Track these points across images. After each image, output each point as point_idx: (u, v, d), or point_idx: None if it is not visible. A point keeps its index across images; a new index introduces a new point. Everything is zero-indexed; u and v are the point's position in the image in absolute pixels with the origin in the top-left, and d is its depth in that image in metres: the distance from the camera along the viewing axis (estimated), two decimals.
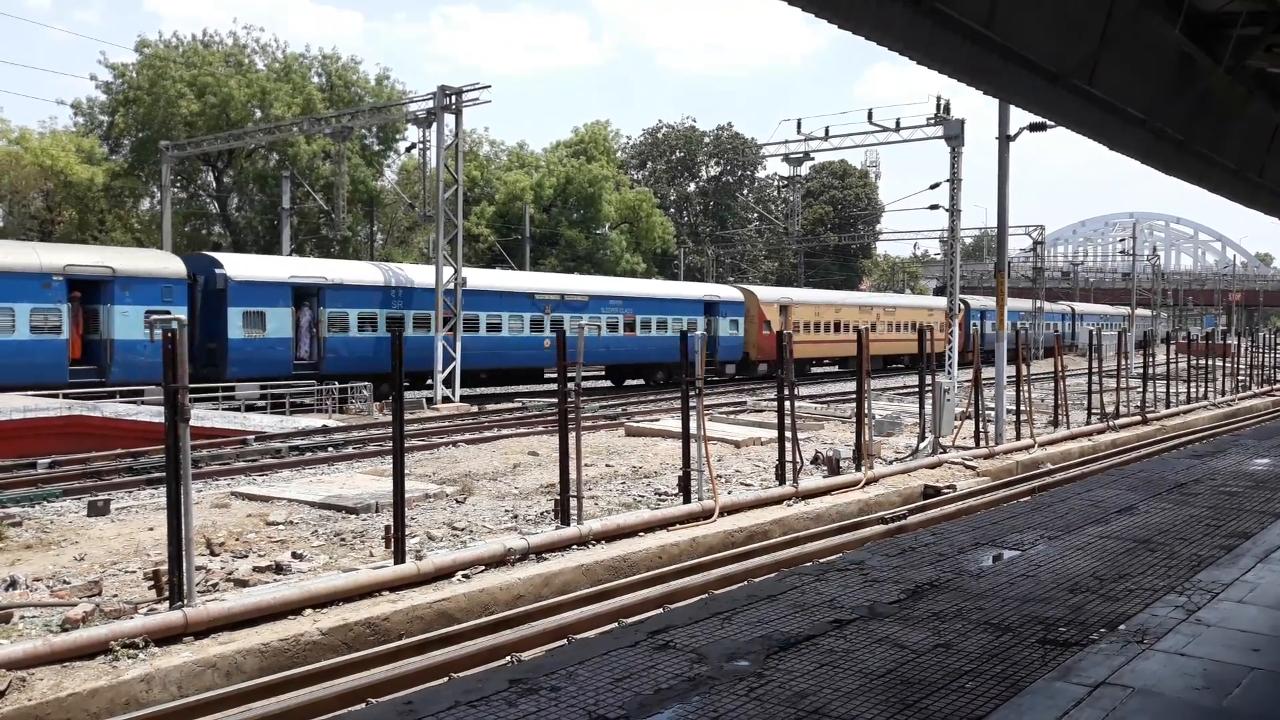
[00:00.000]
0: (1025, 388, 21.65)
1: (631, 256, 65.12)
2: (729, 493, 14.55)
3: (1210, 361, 33.98)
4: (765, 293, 46.57)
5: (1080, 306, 77.30)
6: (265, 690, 7.64)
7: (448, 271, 31.12)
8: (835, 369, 50.95)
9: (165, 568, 8.94)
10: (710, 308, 42.24)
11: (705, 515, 13.05)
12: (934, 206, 33.53)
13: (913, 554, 8.98)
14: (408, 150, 42.59)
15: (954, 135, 27.59)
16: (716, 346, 41.56)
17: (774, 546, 12.34)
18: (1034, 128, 21.18)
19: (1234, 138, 10.72)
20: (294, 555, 10.86)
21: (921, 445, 19.02)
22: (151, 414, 20.03)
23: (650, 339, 39.45)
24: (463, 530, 12.35)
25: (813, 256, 78.92)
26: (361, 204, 54.99)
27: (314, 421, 23.95)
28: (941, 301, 52.19)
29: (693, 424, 13.62)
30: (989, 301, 59.64)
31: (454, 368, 30.78)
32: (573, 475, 12.15)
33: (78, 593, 9.41)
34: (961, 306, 51.72)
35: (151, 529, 12.12)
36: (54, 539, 11.95)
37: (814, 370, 48.42)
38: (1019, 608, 7.15)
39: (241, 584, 9.76)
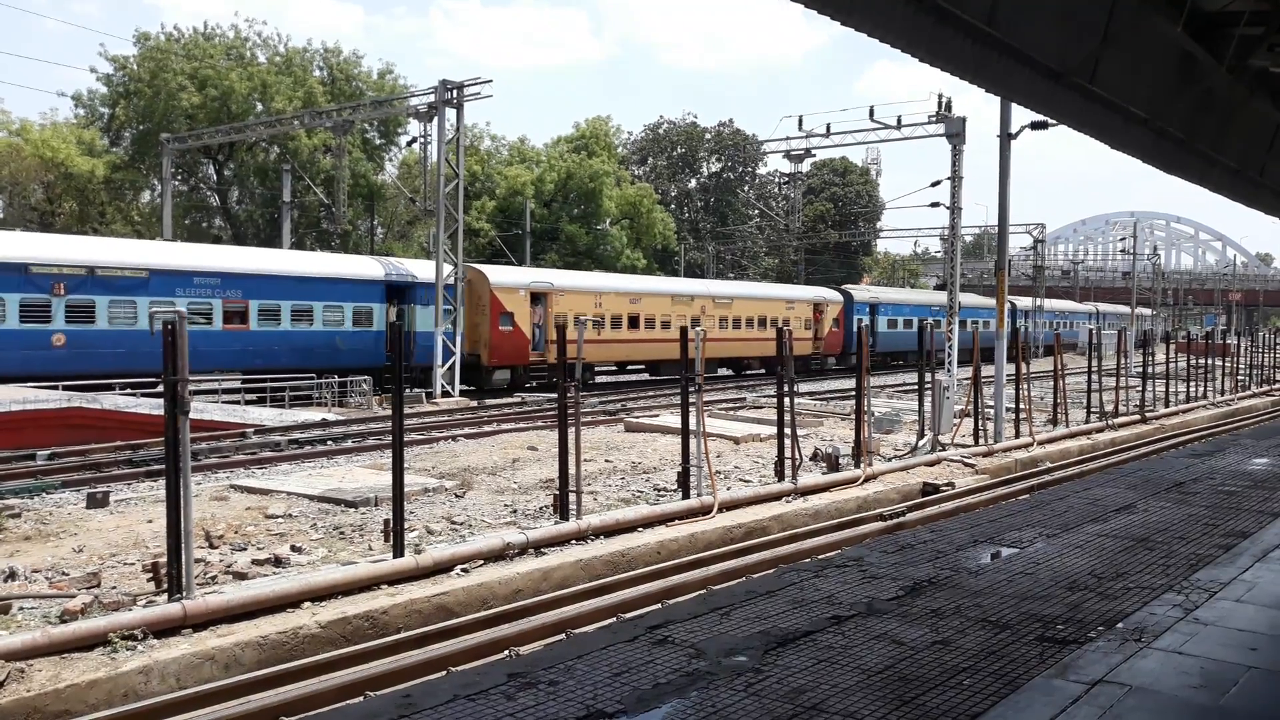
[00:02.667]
0: (1024, 386, 21.66)
1: (632, 252, 65.10)
2: (728, 489, 14.55)
3: (1210, 361, 33.99)
4: (504, 274, 35.30)
5: (1053, 304, 73.42)
6: (263, 683, 7.65)
7: (448, 267, 31.11)
8: (644, 374, 41.14)
9: (164, 560, 8.95)
10: (398, 292, 31.71)
11: (704, 511, 13.06)
12: (935, 204, 33.53)
13: (911, 551, 8.98)
14: (409, 144, 42.69)
15: (955, 133, 27.57)
16: (412, 345, 31.09)
17: (773, 543, 12.35)
18: (1035, 126, 21.17)
19: (1235, 137, 10.71)
20: (293, 548, 10.87)
21: (921, 443, 19.03)
22: (151, 406, 20.03)
23: (284, 334, 28.78)
24: (462, 525, 12.36)
25: (813, 253, 78.89)
26: (362, 198, 54.98)
27: (313, 415, 23.95)
28: (806, 292, 48.85)
29: (692, 420, 13.62)
30: (886, 294, 55.70)
31: (454, 362, 30.79)
32: (572, 470, 12.16)
33: (76, 584, 9.41)
34: (840, 298, 48.79)
35: (150, 521, 12.12)
36: (53, 531, 11.95)
37: (599, 379, 39.07)
38: (1017, 605, 7.15)
39: (240, 577, 9.76)
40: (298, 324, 29.24)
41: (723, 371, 42.53)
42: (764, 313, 43.86)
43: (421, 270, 32.75)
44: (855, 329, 45.85)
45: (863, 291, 52.80)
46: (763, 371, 43.66)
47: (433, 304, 31.05)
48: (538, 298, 35.12)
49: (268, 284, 28.69)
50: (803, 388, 32.71)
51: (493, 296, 33.63)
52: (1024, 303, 60.90)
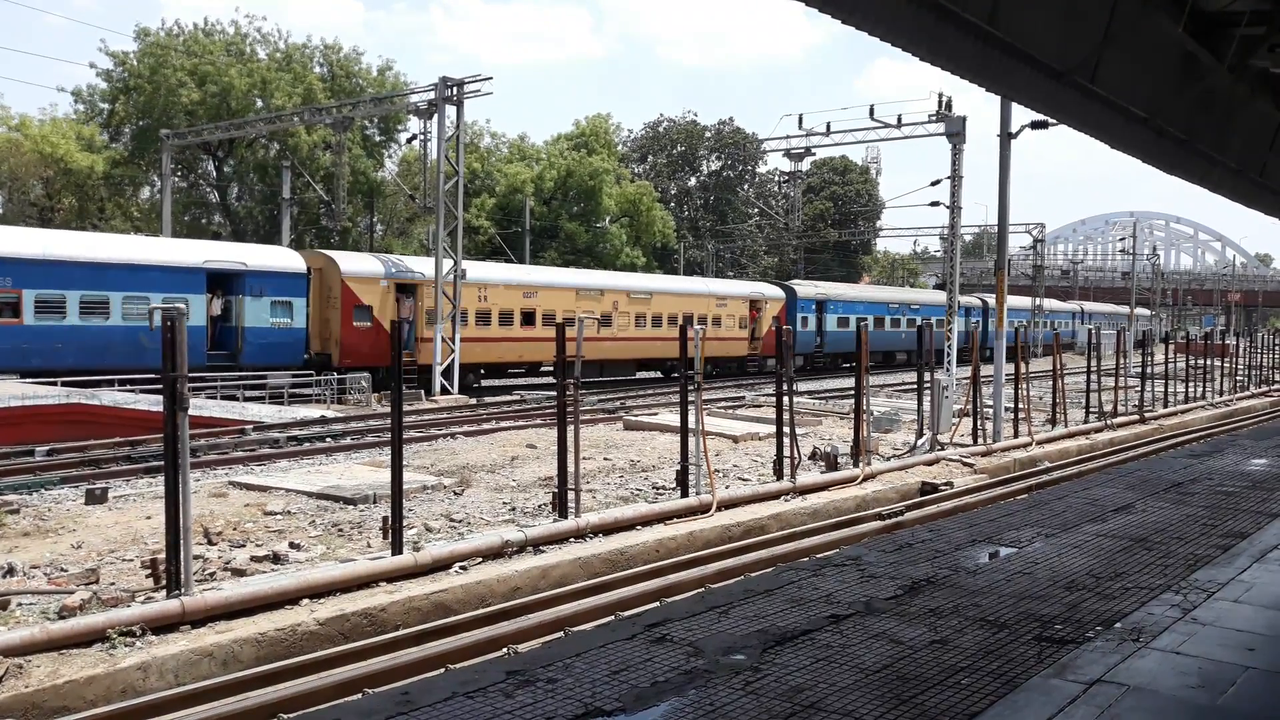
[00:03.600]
0: (1024, 386, 21.66)
1: (631, 250, 65.07)
2: (726, 487, 14.55)
3: (1208, 361, 34.00)
4: (361, 263, 31.20)
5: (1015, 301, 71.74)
6: (262, 679, 7.65)
7: (447, 263, 31.10)
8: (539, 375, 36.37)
9: (163, 556, 8.95)
10: (222, 281, 28.37)
11: (703, 510, 13.06)
12: (935, 203, 33.56)
13: (909, 550, 8.98)
14: (408, 141, 42.53)
15: (955, 132, 27.57)
16: (239, 341, 28.16)
17: (771, 541, 12.35)
18: (1035, 125, 21.16)
19: (1236, 137, 10.71)
20: (291, 545, 10.87)
21: (919, 442, 19.04)
22: (150, 402, 20.03)
23: (71, 330, 25.38)
24: (460, 522, 12.36)
25: (813, 252, 78.91)
26: (362, 195, 54.94)
27: (312, 412, 23.95)
28: (741, 287, 46.13)
29: (691, 418, 13.62)
30: (837, 290, 52.00)
31: (453, 359, 30.78)
32: (571, 468, 12.15)
33: (75, 580, 9.41)
34: (781, 295, 45.93)
35: (149, 517, 12.11)
36: (52, 527, 11.95)
37: (485, 382, 34.78)
38: (1015, 605, 7.16)
39: (239, 573, 9.76)
40: (90, 318, 25.55)
41: (643, 375, 39.47)
42: (690, 309, 39.88)
43: (254, 257, 29.17)
44: (798, 328, 43.77)
45: (808, 288, 49.66)
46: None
47: (267, 295, 28.01)
48: (406, 290, 31.27)
49: (49, 271, 24.93)
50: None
51: (344, 288, 29.48)
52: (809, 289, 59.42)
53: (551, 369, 30.99)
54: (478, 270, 34.70)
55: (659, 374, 40.56)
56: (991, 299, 59.95)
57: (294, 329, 29.13)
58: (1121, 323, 68.71)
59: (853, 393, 19.21)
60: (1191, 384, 32.58)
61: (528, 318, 34.63)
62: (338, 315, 29.65)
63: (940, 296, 61.64)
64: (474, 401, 29.44)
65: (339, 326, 29.64)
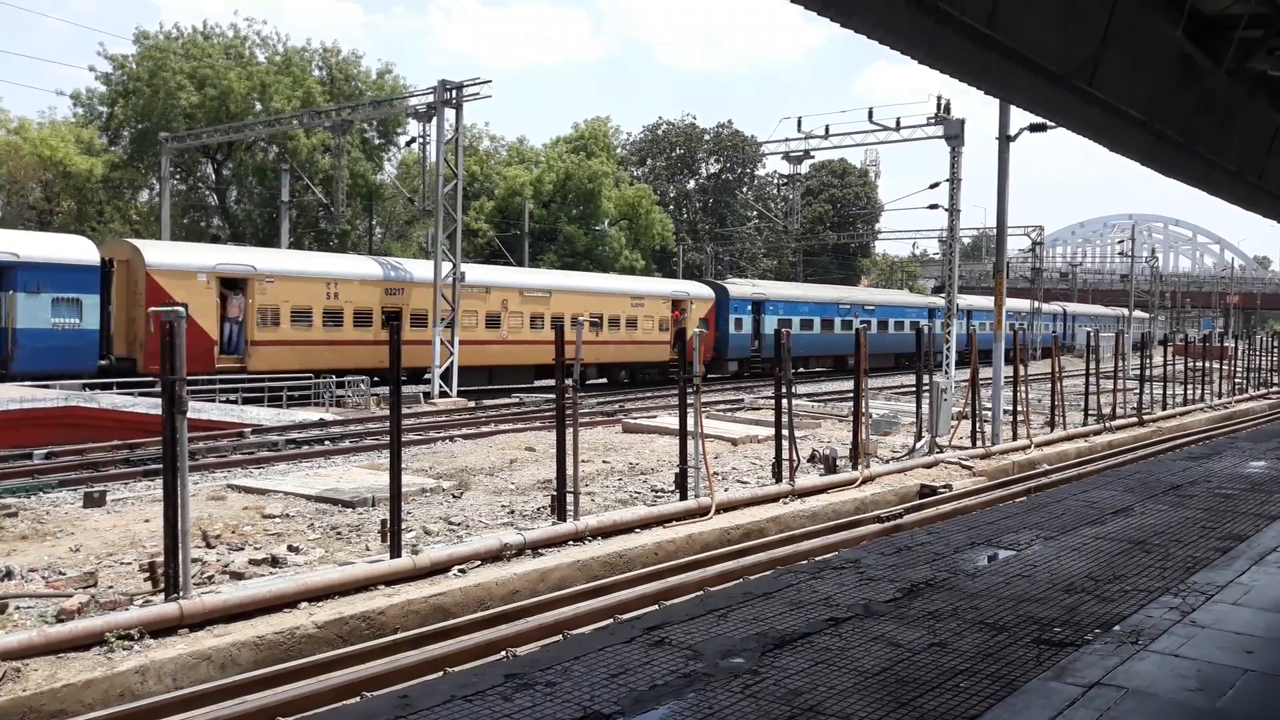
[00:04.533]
0: (1022, 388, 21.67)
1: (630, 253, 65.08)
2: (725, 490, 14.55)
3: (1207, 364, 34.03)
4: (173, 254, 27.41)
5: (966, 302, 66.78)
6: (260, 683, 7.64)
7: (446, 266, 31.10)
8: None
9: (161, 560, 8.94)
10: None
11: (702, 512, 13.05)
12: (933, 206, 33.52)
13: (908, 553, 8.98)
14: (407, 144, 42.58)
15: (954, 135, 27.58)
16: (9, 345, 24.04)
17: (770, 544, 12.35)
18: (1034, 128, 21.19)
19: (1234, 140, 10.72)
20: (290, 548, 10.86)
21: (918, 445, 19.04)
22: (148, 405, 20.01)
23: None
24: (459, 525, 12.35)
25: (812, 255, 78.99)
26: (361, 198, 54.95)
27: (311, 415, 23.94)
28: (660, 286, 42.57)
29: (690, 421, 13.62)
30: (779, 290, 48.18)
31: (451, 363, 30.78)
32: (569, 471, 12.15)
33: (73, 584, 9.40)
34: (710, 294, 42.34)
35: (147, 521, 12.10)
36: (49, 530, 11.93)
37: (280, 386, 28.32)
38: (1014, 608, 7.15)
39: (237, 576, 9.75)
40: None
41: (543, 381, 34.38)
42: (598, 310, 36.63)
43: (29, 247, 24.98)
44: (730, 330, 41.44)
45: (743, 286, 45.35)
46: (603, 381, 37.83)
47: (46, 292, 24.28)
48: (233, 285, 27.44)
49: None
50: (802, 389, 32.63)
51: (150, 283, 25.29)
52: (970, 301, 55.65)
53: (407, 374, 27.95)
54: (324, 263, 31.37)
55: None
56: (964, 299, 57.87)
57: (84, 330, 24.91)
58: (1110, 324, 67.71)
59: (851, 395, 19.22)
60: (1190, 386, 32.59)
61: (392, 318, 29.32)
62: (144, 314, 24.80)
63: (903, 296, 59.18)
64: (473, 404, 29.43)
65: (144, 328, 24.91)
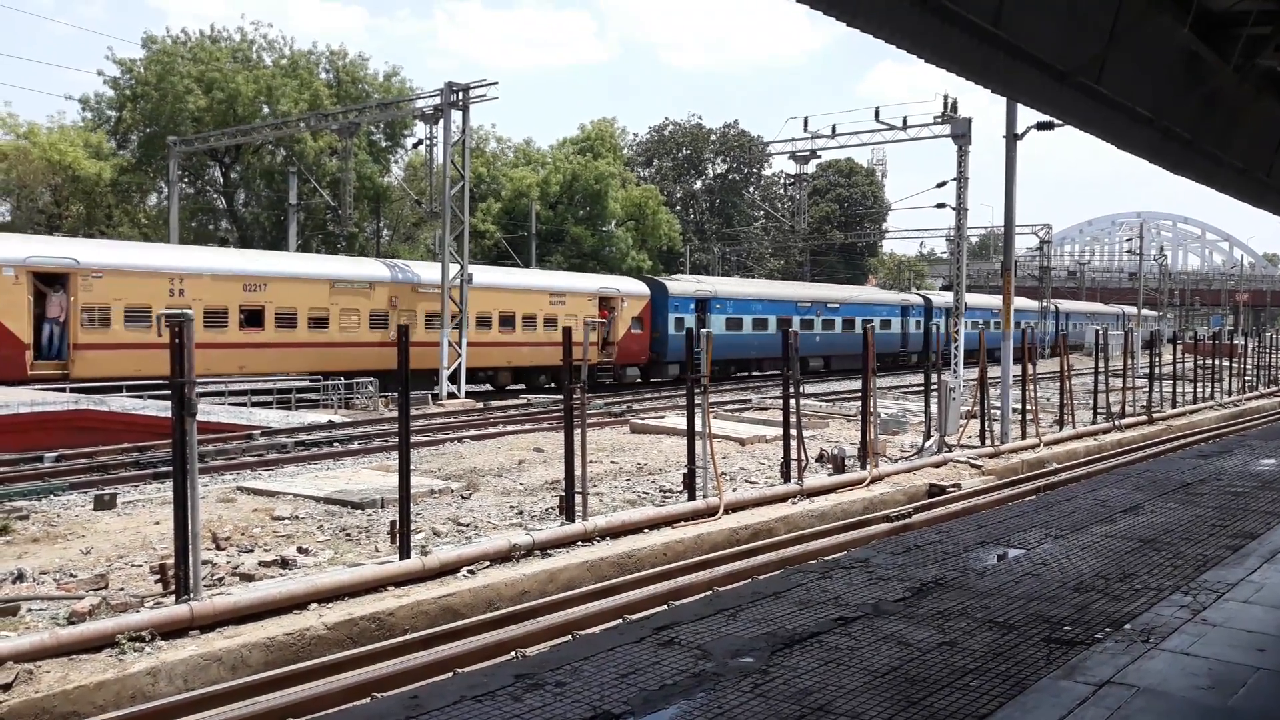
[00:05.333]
0: (1031, 387, 21.62)
1: (637, 254, 65.07)
2: (734, 490, 14.55)
3: (1217, 362, 33.90)
4: None
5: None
6: (270, 684, 7.66)
7: (453, 268, 31.14)
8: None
9: (171, 562, 8.97)
10: None
11: (710, 512, 13.05)
12: (941, 205, 33.47)
13: (918, 552, 8.97)
14: (414, 146, 42.64)
15: (961, 134, 27.57)
16: None
17: (779, 544, 12.34)
18: (1041, 126, 21.15)
19: (1242, 137, 10.69)
20: (299, 550, 10.89)
21: (927, 444, 19.01)
22: (158, 408, 20.07)
23: None
24: (468, 526, 12.37)
25: (819, 254, 78.84)
26: (368, 200, 55.04)
27: (320, 417, 23.99)
28: (585, 281, 38.39)
29: (698, 421, 13.62)
30: (726, 286, 43.71)
31: (460, 364, 30.82)
32: (578, 472, 12.16)
33: (84, 586, 9.44)
34: (644, 291, 38.90)
35: (158, 523, 12.15)
36: (60, 533, 11.99)
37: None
38: (1024, 606, 7.14)
39: (247, 578, 9.79)
40: None
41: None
42: (510, 308, 33.85)
43: None
44: (670, 330, 37.44)
45: (685, 283, 41.54)
46: (522, 386, 35.74)
47: None
48: (53, 281, 24.60)
49: None
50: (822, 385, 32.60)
51: None
52: (938, 300, 54.05)
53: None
54: (165, 256, 28.29)
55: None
56: (937, 297, 54.70)
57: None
58: (1108, 322, 65.63)
59: (859, 395, 19.20)
60: (1200, 384, 32.48)
61: (252, 319, 27.94)
62: None
63: (873, 294, 55.77)
64: (480, 406, 29.46)
65: None
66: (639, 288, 39.61)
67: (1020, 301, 60.13)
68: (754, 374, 42.74)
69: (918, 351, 51.84)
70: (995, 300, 58.79)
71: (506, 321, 34.17)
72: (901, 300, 54.27)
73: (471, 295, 31.74)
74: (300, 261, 29.46)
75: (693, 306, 39.90)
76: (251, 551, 10.99)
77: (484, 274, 35.18)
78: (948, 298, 55.52)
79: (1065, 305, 68.85)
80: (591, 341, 33.97)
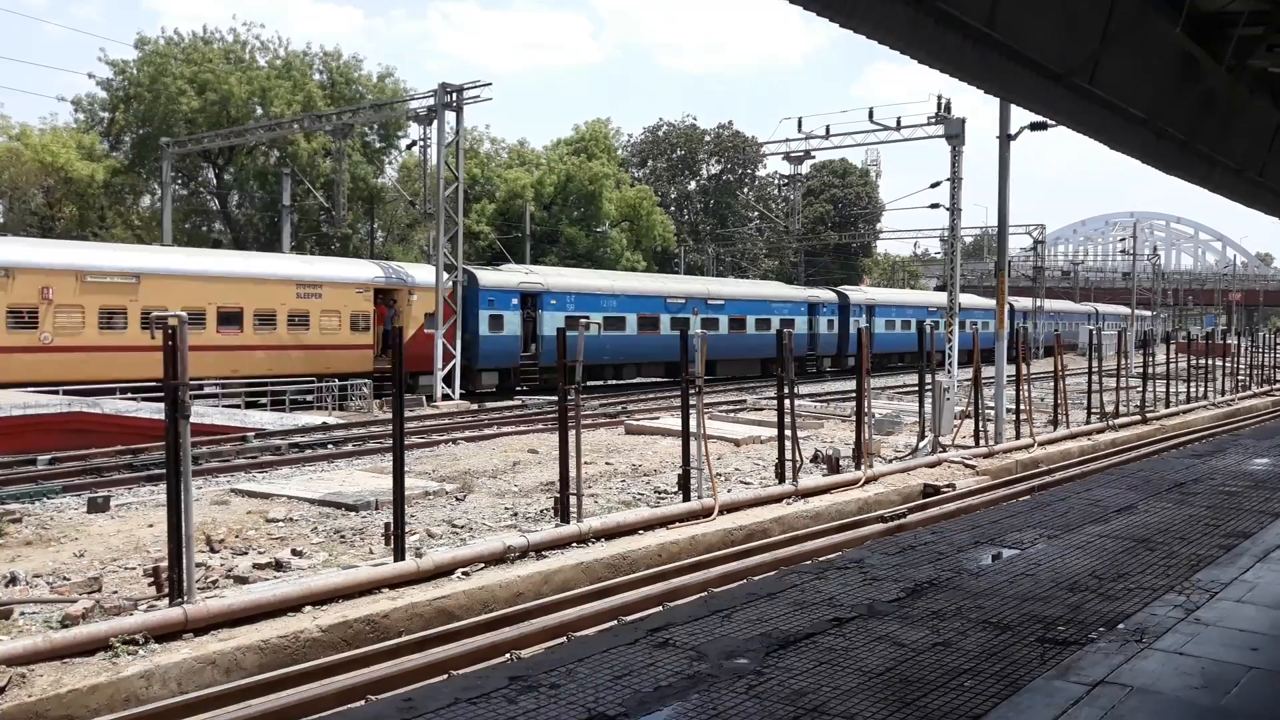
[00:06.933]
0: (1025, 387, 21.65)
1: (632, 255, 65.08)
2: (729, 491, 14.55)
3: (1210, 361, 33.99)
4: None
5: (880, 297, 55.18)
6: (265, 687, 7.65)
7: (552, 275, 31.03)
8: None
9: (165, 564, 8.95)
10: None
11: (705, 513, 13.05)
12: (935, 205, 33.55)
13: (912, 553, 8.98)
14: (408, 147, 42.49)
15: (954, 134, 27.61)
16: None
17: (773, 545, 12.34)
18: (1035, 127, 21.18)
19: (1235, 137, 10.72)
20: (294, 552, 10.87)
21: (921, 444, 19.03)
22: (152, 411, 20.03)
23: None
24: (462, 528, 12.36)
25: (813, 255, 78.89)
26: (362, 201, 55.01)
27: (314, 419, 23.96)
28: (354, 270, 32.15)
29: (693, 422, 13.62)
30: (557, 277, 37.15)
31: (454, 365, 30.80)
32: (572, 473, 12.15)
33: (78, 589, 9.41)
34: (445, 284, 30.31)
35: (151, 526, 12.12)
36: (54, 535, 11.95)
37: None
38: (1018, 606, 7.15)
39: (241, 581, 9.77)
40: None
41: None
42: (237, 301, 27.96)
43: None
44: (483, 329, 32.34)
45: (506, 274, 35.51)
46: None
47: None
48: None
49: None
50: (802, 389, 32.61)
51: None
52: (856, 296, 50.35)
53: None
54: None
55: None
56: (855, 293, 49.90)
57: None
58: (1078, 321, 63.36)
59: (854, 395, 19.22)
60: (1193, 384, 32.56)
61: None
62: None
63: (770, 289, 49.08)
64: (475, 407, 29.45)
65: None
66: (431, 278, 32.60)
67: (974, 300, 57.34)
68: (610, 382, 37.32)
69: (831, 355, 48.48)
70: (980, 301, 56.43)
71: (228, 319, 27.81)
72: (809, 297, 48.14)
73: (171, 287, 26.36)
74: (36, 250, 25.94)
75: (515, 302, 34.17)
76: (246, 554, 10.97)
77: (198, 260, 29.62)
78: (871, 294, 52.57)
79: (1021, 303, 62.50)
80: (365, 344, 30.73)
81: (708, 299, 41.66)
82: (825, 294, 49.49)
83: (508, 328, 33.86)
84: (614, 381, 37.54)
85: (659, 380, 37.55)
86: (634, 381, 38.32)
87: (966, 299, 55.92)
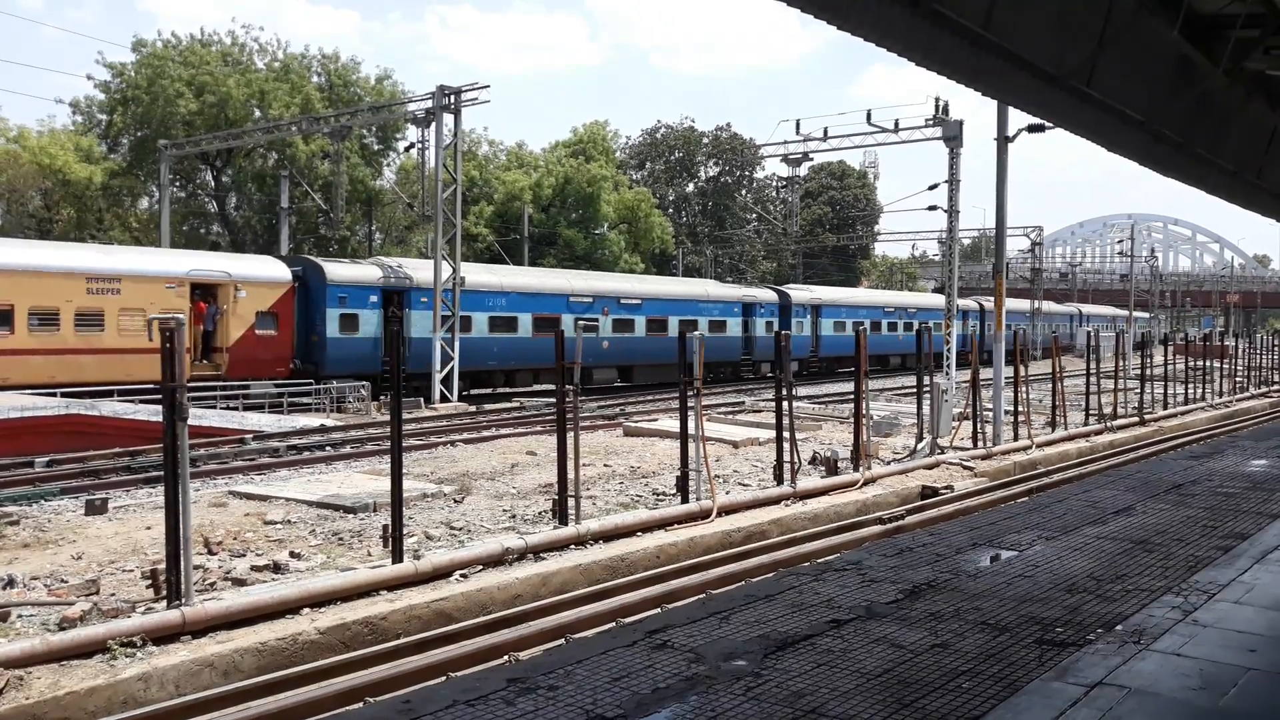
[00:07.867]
0: (1023, 388, 21.66)
1: (630, 257, 65.07)
2: (727, 493, 14.55)
3: (1208, 363, 34.01)
4: None
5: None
6: (263, 689, 7.64)
7: (446, 270, 31.10)
8: None
9: (163, 567, 8.94)
10: None
11: (703, 515, 13.05)
12: (932, 207, 33.60)
13: (910, 554, 8.98)
14: (406, 150, 42.49)
15: (952, 136, 27.66)
16: None
17: (772, 547, 12.34)
18: (1032, 129, 21.21)
19: (1232, 139, 10.74)
20: (292, 554, 10.87)
21: (919, 446, 19.03)
22: (149, 413, 20.01)
23: None
24: (460, 530, 12.36)
25: (811, 257, 78.99)
26: (360, 203, 54.98)
27: (312, 421, 23.94)
28: (169, 261, 28.03)
29: (691, 424, 13.63)
30: (426, 273, 31.09)
31: (452, 367, 30.78)
32: (571, 475, 12.15)
33: (75, 592, 9.40)
34: (283, 277, 28.93)
35: (149, 528, 12.11)
36: (51, 538, 11.94)
37: None
38: (1016, 608, 7.16)
39: (239, 583, 9.76)
40: None
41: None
42: (5, 299, 23.95)
43: None
44: (332, 331, 28.73)
45: (362, 268, 31.16)
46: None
47: None
48: None
49: None
50: (800, 391, 32.60)
51: None
52: (800, 295, 47.43)
53: None
54: None
55: None
56: (798, 292, 46.52)
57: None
58: (1059, 323, 62.73)
59: (852, 397, 19.23)
60: (1191, 385, 32.58)
61: None
62: None
63: (701, 287, 44.40)
64: (474, 409, 29.42)
65: None
66: (273, 272, 29.45)
67: (932, 299, 54.93)
68: (500, 390, 34.05)
69: (768, 360, 41.96)
70: (960, 302, 53.72)
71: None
72: (744, 296, 44.27)
73: None
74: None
75: (375, 300, 30.12)
76: (243, 556, 10.96)
77: None
78: (817, 293, 49.19)
79: (990, 304, 62.72)
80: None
81: (621, 298, 37.93)
82: (763, 293, 46.24)
83: (363, 329, 30.11)
84: (506, 389, 34.30)
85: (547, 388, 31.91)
86: (534, 388, 34.73)
87: (919, 299, 54.24)
